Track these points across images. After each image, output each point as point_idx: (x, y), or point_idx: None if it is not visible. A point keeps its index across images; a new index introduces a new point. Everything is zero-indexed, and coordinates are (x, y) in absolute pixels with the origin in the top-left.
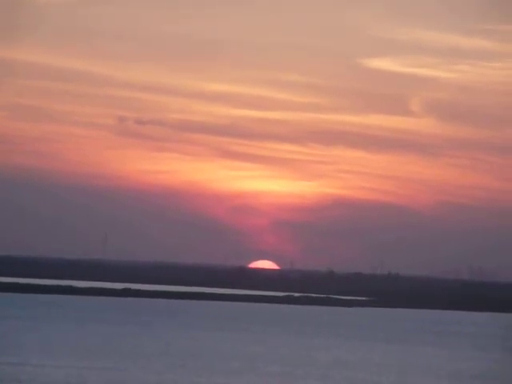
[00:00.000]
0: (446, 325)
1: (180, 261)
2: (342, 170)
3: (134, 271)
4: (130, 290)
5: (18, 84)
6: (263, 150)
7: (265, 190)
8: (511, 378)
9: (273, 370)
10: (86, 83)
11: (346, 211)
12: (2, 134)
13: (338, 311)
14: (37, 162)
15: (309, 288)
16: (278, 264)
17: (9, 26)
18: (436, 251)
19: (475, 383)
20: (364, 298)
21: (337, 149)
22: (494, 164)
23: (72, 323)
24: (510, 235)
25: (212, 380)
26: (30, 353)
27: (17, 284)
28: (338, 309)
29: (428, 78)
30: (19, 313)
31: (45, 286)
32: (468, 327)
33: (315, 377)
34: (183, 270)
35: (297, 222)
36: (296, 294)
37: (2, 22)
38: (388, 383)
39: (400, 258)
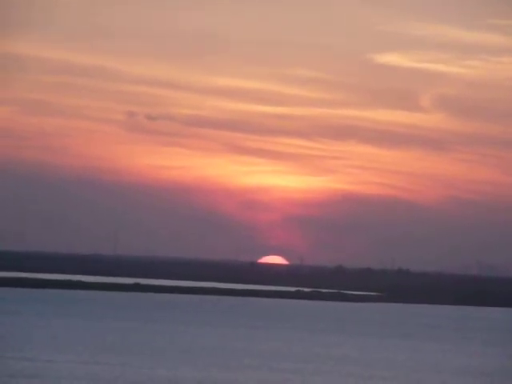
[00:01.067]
0: (456, 320)
1: (190, 256)
2: (351, 165)
3: (145, 266)
4: (140, 285)
5: (28, 79)
6: (273, 145)
7: (275, 185)
8: None
9: (282, 366)
10: (96, 78)
11: (356, 206)
12: (12, 129)
13: (348, 306)
14: (47, 156)
15: (319, 283)
16: (287, 259)
17: (20, 22)
18: (445, 246)
19: (485, 379)
20: (374, 294)
21: (347, 144)
22: (502, 159)
23: (82, 318)
24: None
25: (222, 376)
26: (40, 348)
27: (27, 279)
28: (347, 304)
29: (437, 74)
30: (29, 308)
31: (55, 280)
32: (478, 322)
33: (323, 373)
34: (193, 265)
35: (307, 217)
36: (306, 290)
37: (13, 18)
38: (397, 379)
39: (410, 254)
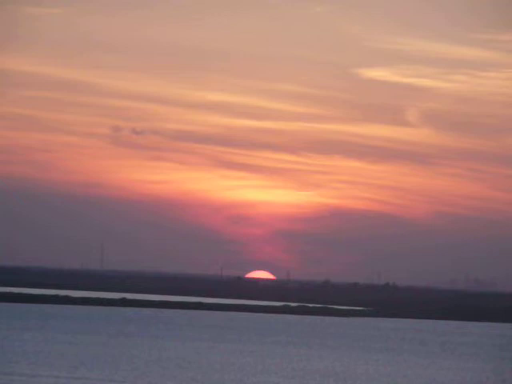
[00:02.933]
0: (443, 335)
1: (176, 271)
2: (338, 179)
3: (131, 281)
4: (126, 299)
5: (14, 94)
6: (260, 159)
7: (261, 199)
8: None
9: (265, 380)
10: (81, 93)
11: (343, 221)
12: None
13: (335, 321)
14: (33, 171)
15: (305, 298)
16: (274, 274)
17: (5, 37)
18: (432, 261)
19: None
20: (361, 308)
21: (333, 159)
22: (490, 174)
23: (67, 333)
24: (506, 245)
25: None
26: (24, 363)
27: (13, 294)
28: (334, 319)
29: (424, 88)
30: (14, 323)
31: (41, 295)
32: (464, 337)
33: None
34: (180, 280)
35: (293, 232)
36: (293, 304)
37: None
38: None
39: (397, 268)
